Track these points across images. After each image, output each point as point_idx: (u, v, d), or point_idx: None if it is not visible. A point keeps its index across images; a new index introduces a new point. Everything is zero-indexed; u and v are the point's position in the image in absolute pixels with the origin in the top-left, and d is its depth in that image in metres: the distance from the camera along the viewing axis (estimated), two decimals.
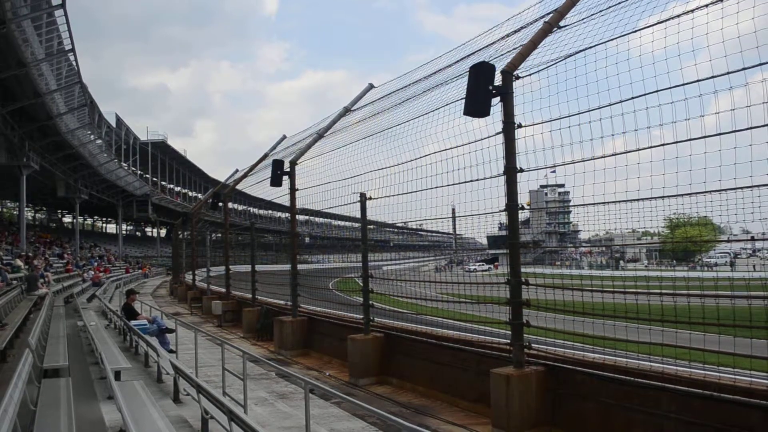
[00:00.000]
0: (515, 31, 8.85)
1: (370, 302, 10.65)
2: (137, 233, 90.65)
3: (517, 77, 7.24)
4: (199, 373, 9.28)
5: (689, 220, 7.30)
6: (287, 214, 15.76)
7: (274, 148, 18.95)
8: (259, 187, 17.95)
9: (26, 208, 44.48)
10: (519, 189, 7.28)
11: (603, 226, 7.23)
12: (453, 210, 9.46)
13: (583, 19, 7.31)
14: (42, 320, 12.56)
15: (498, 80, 7.22)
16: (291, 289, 13.81)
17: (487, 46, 9.45)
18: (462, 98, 7.42)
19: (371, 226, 11.08)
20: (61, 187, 43.14)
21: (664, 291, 6.23)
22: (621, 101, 6.19)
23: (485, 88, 7.12)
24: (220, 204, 22.50)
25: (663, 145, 5.91)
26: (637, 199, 6.35)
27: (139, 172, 62.41)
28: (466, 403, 8.31)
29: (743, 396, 5.23)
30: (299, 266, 14.00)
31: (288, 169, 13.68)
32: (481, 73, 7.18)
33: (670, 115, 5.79)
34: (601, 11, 7.10)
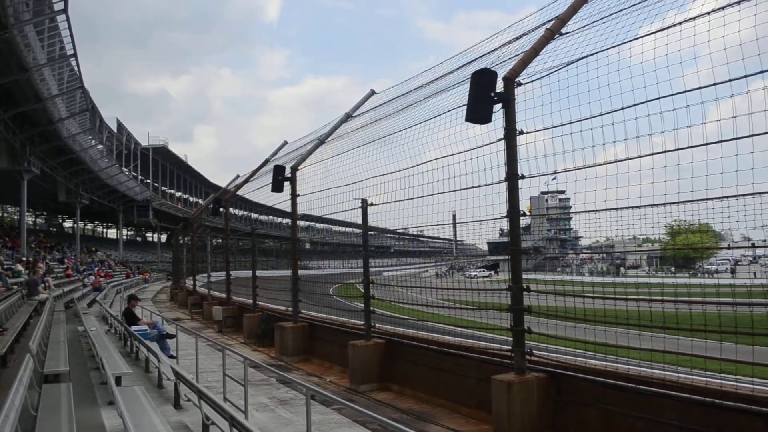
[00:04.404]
0: (517, 38, 8.88)
1: (371, 308, 10.64)
2: (138, 238, 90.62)
3: (519, 84, 7.25)
4: (199, 379, 9.27)
5: (690, 227, 7.30)
6: (288, 220, 15.78)
7: (275, 153, 18.99)
8: (260, 192, 17.99)
9: (27, 213, 44.54)
10: (520, 195, 7.29)
11: (604, 233, 7.23)
12: (454, 216, 9.45)
13: (584, 26, 7.33)
14: (42, 325, 12.56)
15: (500, 87, 7.22)
16: (292, 295, 13.79)
17: (488, 52, 9.48)
18: (464, 105, 7.44)
19: (372, 232, 11.07)
20: (62, 192, 43.19)
21: (665, 298, 6.23)
22: (622, 108, 6.20)
23: (487, 95, 7.12)
24: (221, 209, 22.52)
25: (665, 152, 5.92)
26: (638, 206, 6.36)
27: (140, 177, 62.49)
28: (468, 409, 8.28)
29: (745, 403, 5.22)
30: (300, 272, 13.99)
31: (289, 175, 13.70)
32: (482, 80, 7.19)
33: (672, 122, 5.81)
34: (602, 18, 7.13)
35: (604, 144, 6.51)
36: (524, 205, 7.47)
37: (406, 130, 9.93)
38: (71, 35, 23.31)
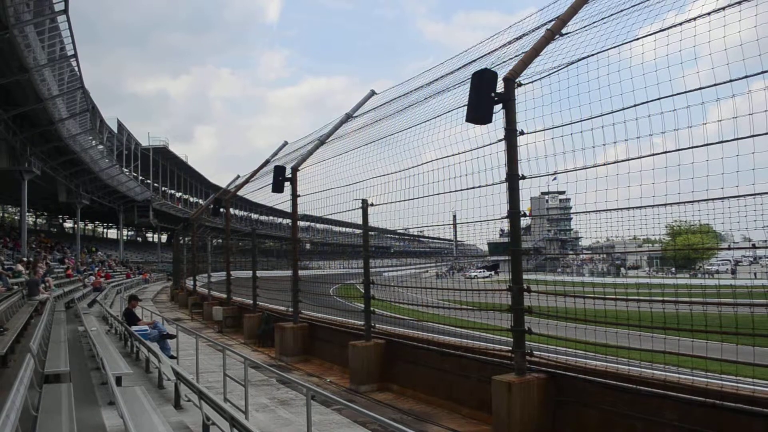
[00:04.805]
0: (517, 39, 8.88)
1: (372, 308, 10.63)
2: (138, 239, 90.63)
3: (519, 84, 7.24)
4: (200, 379, 9.27)
5: (691, 228, 7.30)
6: (288, 220, 15.78)
7: (275, 154, 18.99)
8: (260, 193, 17.99)
9: (27, 213, 44.56)
10: (521, 196, 7.28)
11: (604, 234, 7.23)
12: (454, 216, 9.45)
13: (585, 27, 7.33)
14: (43, 325, 12.55)
15: (500, 87, 7.22)
16: (292, 295, 13.79)
17: (488, 53, 9.48)
18: (464, 105, 7.43)
19: (372, 233, 11.07)
20: (63, 193, 43.18)
21: (665, 298, 6.23)
22: (623, 108, 6.19)
23: (487, 95, 7.11)
24: (222, 210, 22.52)
25: (665, 152, 5.92)
26: (639, 207, 6.36)
27: (140, 177, 62.50)
28: (468, 410, 8.28)
29: (745, 404, 5.22)
30: (300, 272, 13.99)
31: (289, 176, 13.69)
32: (483, 80, 7.18)
33: (672, 122, 5.81)
34: (602, 19, 7.13)
35: (604, 144, 6.51)
36: (525, 205, 7.47)
37: (406, 131, 9.94)
38: (71, 36, 23.31)
